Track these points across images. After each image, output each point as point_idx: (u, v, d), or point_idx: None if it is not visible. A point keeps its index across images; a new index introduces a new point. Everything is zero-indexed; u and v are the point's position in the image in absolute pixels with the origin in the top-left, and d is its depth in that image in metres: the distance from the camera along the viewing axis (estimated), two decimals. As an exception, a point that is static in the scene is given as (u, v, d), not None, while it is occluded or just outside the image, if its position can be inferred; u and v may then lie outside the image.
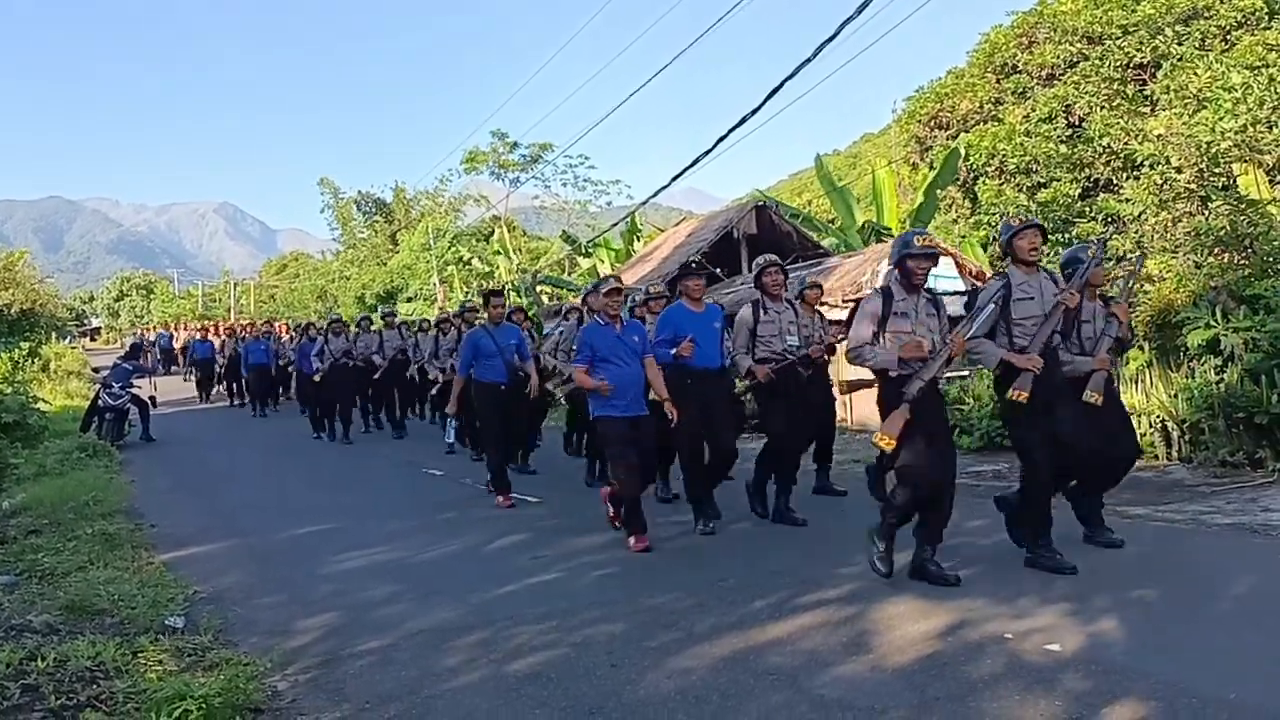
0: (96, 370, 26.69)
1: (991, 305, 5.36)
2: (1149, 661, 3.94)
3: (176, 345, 36.15)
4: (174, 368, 34.73)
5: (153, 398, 15.45)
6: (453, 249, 34.68)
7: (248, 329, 25.26)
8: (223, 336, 26.50)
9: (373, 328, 15.49)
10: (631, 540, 6.41)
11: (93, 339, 66.79)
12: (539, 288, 25.21)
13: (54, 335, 36.35)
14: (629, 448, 6.42)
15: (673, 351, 6.73)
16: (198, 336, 27.39)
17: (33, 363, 24.88)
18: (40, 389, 19.99)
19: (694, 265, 7.61)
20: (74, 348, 40.18)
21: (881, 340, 5.30)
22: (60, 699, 3.85)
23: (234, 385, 21.97)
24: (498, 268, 31.83)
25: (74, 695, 3.90)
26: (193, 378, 29.02)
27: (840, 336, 7.54)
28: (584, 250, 29.16)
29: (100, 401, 14.31)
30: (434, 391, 12.66)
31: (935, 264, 5.58)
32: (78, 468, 11.05)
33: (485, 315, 9.25)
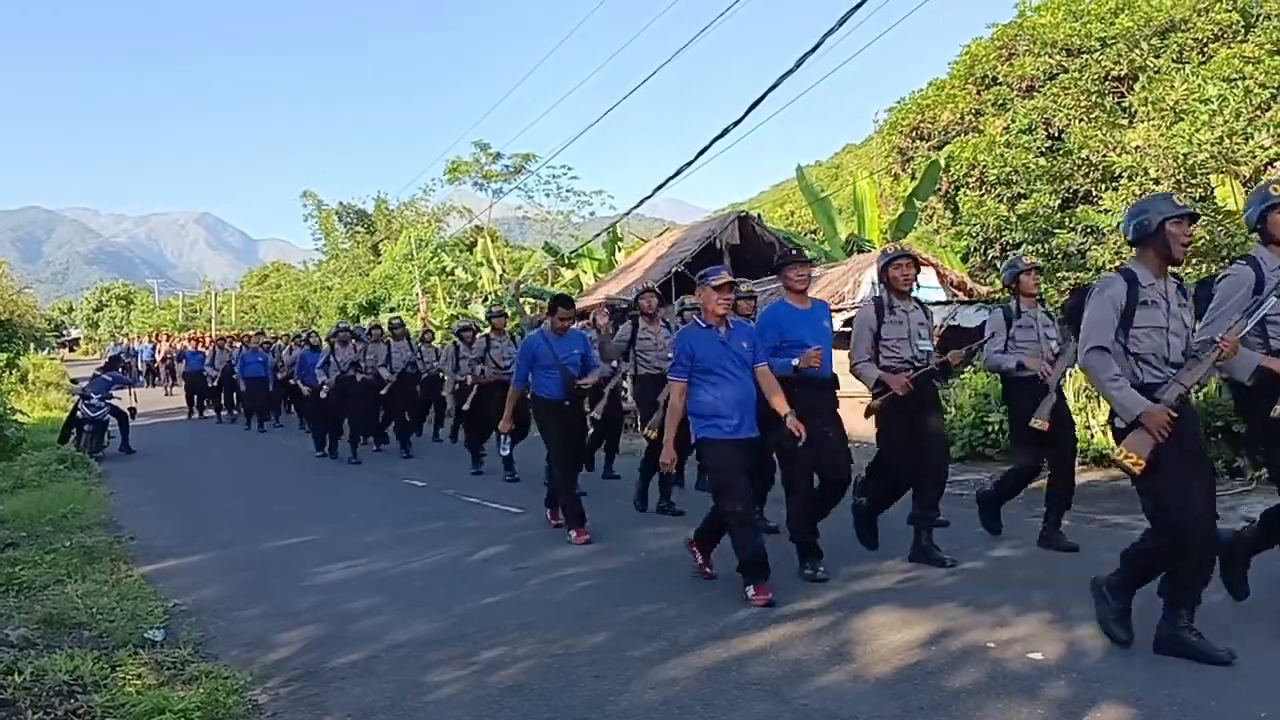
0: (75, 381, 26.47)
1: (1274, 298, 4.17)
2: (1130, 669, 3.96)
3: (158, 356, 34.12)
4: (154, 380, 33.58)
5: (132, 409, 15.33)
6: (435, 259, 34.60)
7: (239, 340, 22.68)
8: (212, 347, 23.95)
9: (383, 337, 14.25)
10: (751, 591, 5.21)
11: (71, 350, 66.29)
12: (522, 299, 25.19)
13: (32, 346, 36.03)
14: (739, 476, 5.35)
15: (794, 362, 5.66)
16: (189, 346, 26.02)
17: (11, 374, 24.64)
18: (18, 400, 19.82)
19: (793, 251, 6.33)
20: (52, 359, 39.88)
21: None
22: (38, 713, 3.81)
23: (227, 398, 20.80)
24: (481, 278, 31.78)
25: (52, 709, 3.87)
26: (173, 391, 28.03)
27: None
28: (566, 261, 29.16)
29: (79, 413, 14.19)
30: (466, 406, 11.49)
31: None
32: (56, 480, 10.94)
33: (547, 322, 8.05)
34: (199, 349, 24.18)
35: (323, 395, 13.31)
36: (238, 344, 20.82)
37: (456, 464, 11.79)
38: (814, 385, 5.76)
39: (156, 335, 43.56)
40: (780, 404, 5.40)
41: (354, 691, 4.21)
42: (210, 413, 21.59)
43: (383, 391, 13.39)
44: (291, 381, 16.94)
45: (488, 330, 12.42)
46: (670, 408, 5.57)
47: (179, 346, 31.20)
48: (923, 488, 5.99)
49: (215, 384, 20.75)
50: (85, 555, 6.99)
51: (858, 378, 6.00)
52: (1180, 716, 3.48)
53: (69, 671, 4.24)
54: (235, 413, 20.30)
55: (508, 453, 10.43)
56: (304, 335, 17.90)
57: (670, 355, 6.00)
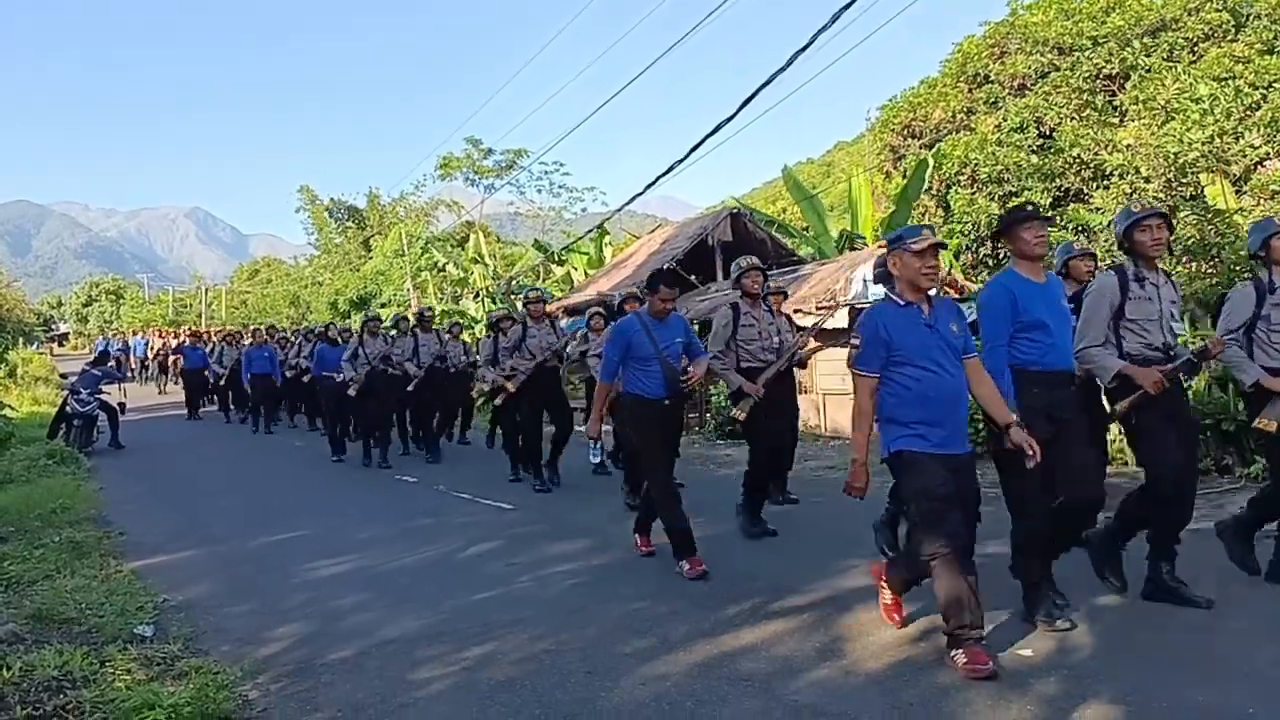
0: (64, 376, 26.35)
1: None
2: (1119, 666, 3.98)
3: (151, 353, 31.62)
4: (146, 376, 31.68)
5: (121, 404, 15.27)
6: (426, 255, 34.57)
7: (248, 335, 20.16)
8: (215, 341, 22.07)
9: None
10: (962, 658, 3.97)
11: (60, 344, 66.04)
12: (513, 296, 25.18)
13: (21, 341, 35.90)
14: (951, 507, 4.04)
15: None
16: (186, 341, 23.19)
17: (-1, 368, 24.59)
18: (7, 395, 19.78)
19: (1028, 206, 4.83)
20: (41, 353, 39.72)
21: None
22: (26, 709, 3.80)
23: (237, 397, 19.05)
24: (473, 274, 31.76)
25: (40, 705, 3.85)
26: (166, 389, 27.10)
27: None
28: (556, 258, 29.16)
29: (68, 408, 14.15)
30: (498, 402, 10.18)
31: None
32: (45, 475, 10.90)
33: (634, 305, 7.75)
34: (197, 344, 21.93)
35: (350, 393, 11.85)
36: (247, 340, 18.92)
37: (451, 462, 11.78)
38: (1055, 380, 4.50)
39: (149, 330, 41.22)
40: (1002, 410, 4.23)
41: (344, 687, 4.20)
42: (212, 408, 20.43)
43: (410, 389, 12.37)
44: (305, 379, 15.76)
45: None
46: (858, 409, 4.27)
47: (174, 342, 29.22)
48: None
49: (223, 382, 19.13)
50: (74, 550, 6.97)
51: (1088, 368, 4.79)
52: (1169, 713, 3.49)
53: (58, 667, 4.23)
54: (244, 412, 18.43)
55: (599, 459, 10.45)
56: (320, 329, 16.51)
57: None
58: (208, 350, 21.13)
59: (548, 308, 11.83)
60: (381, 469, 11.58)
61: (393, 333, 12.91)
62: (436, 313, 14.45)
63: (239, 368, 17.91)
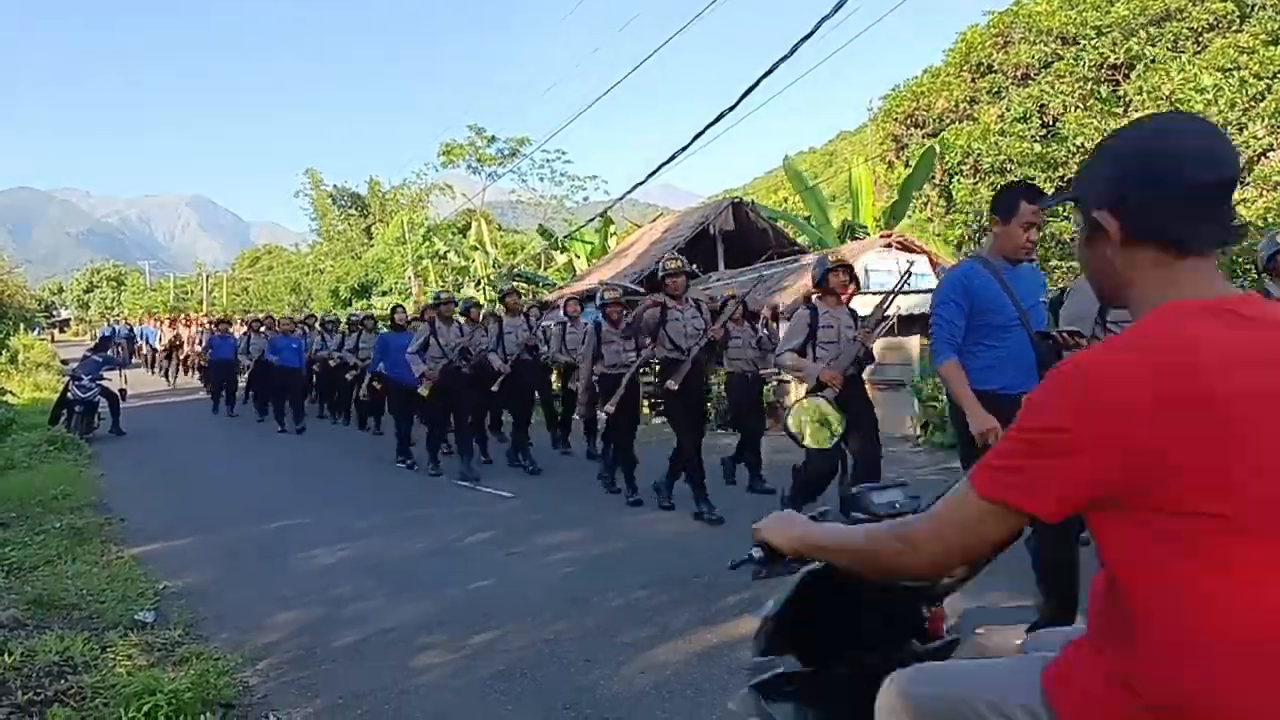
0: (65, 363, 26.34)
1: None
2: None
3: (160, 343, 28.43)
4: (155, 366, 29.02)
5: (123, 390, 15.27)
6: (426, 243, 34.56)
7: (267, 323, 18.31)
8: (244, 329, 19.54)
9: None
10: None
11: (62, 331, 66.09)
12: (514, 283, 25.17)
13: (22, 327, 35.90)
14: None
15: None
16: (215, 331, 19.42)
17: (0, 354, 24.57)
18: (8, 381, 19.77)
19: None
20: (43, 339, 39.74)
21: None
22: (27, 694, 3.81)
23: (261, 392, 16.83)
24: (474, 262, 31.74)
25: (41, 690, 3.86)
26: (176, 382, 25.20)
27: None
28: (559, 246, 29.14)
29: (70, 394, 14.15)
30: (611, 407, 7.95)
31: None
32: (46, 461, 10.92)
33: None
34: (227, 333, 18.82)
35: (422, 392, 9.78)
36: (277, 329, 16.91)
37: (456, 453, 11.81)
38: None
39: (152, 318, 37.67)
40: None
41: (344, 675, 4.21)
42: (241, 405, 17.89)
43: (494, 388, 10.25)
44: (350, 375, 14.49)
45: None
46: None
47: (186, 331, 26.46)
48: None
49: (248, 374, 17.40)
50: (75, 536, 6.98)
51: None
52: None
53: (59, 652, 4.24)
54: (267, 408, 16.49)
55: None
56: (359, 317, 15.20)
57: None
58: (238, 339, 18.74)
59: (547, 294, 11.35)
60: (466, 484, 9.41)
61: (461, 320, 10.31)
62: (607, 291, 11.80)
63: (263, 359, 16.27)
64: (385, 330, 11.81)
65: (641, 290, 13.83)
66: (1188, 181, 1.32)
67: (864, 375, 6.82)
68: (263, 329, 18.03)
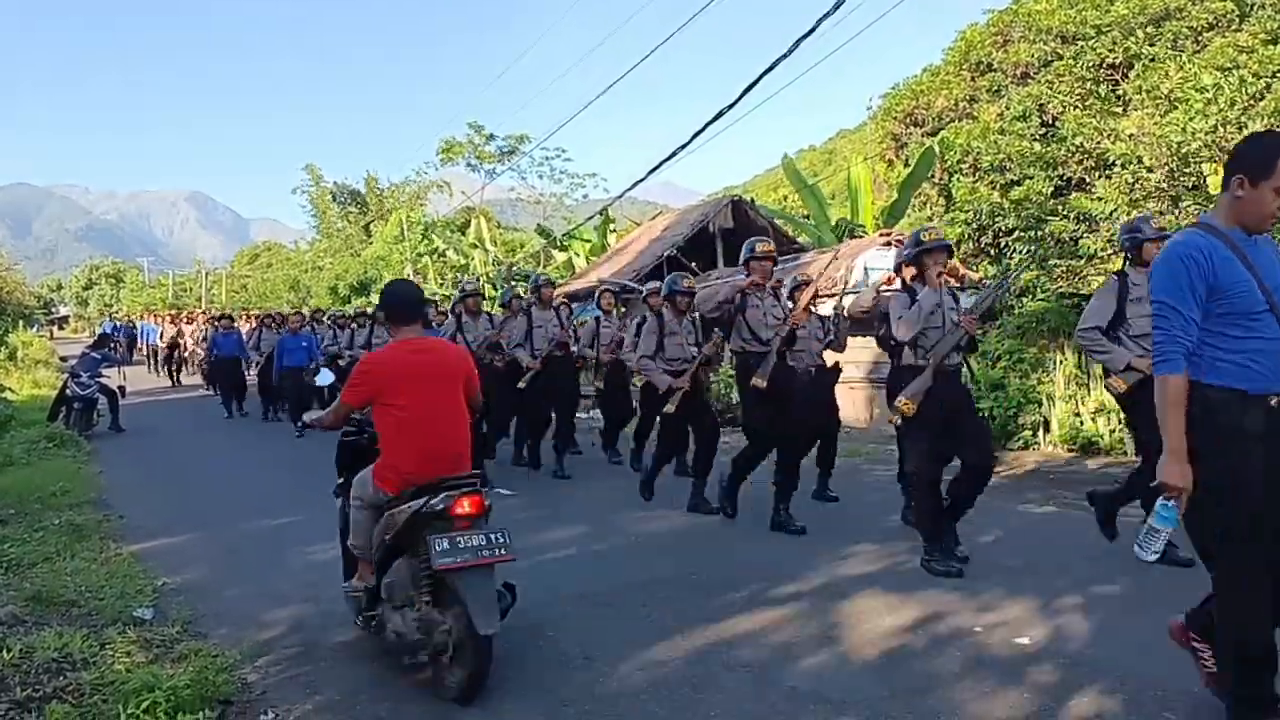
0: (64, 359, 26.31)
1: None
2: (1115, 654, 3.99)
3: (162, 341, 27.42)
4: (157, 364, 27.85)
5: (121, 387, 15.26)
6: (425, 240, 34.54)
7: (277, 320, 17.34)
8: (256, 328, 18.64)
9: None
10: None
11: (61, 327, 66.04)
12: (513, 282, 25.16)
13: (21, 323, 35.87)
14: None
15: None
16: (218, 327, 18.43)
17: (-1, 351, 24.59)
18: (7, 378, 19.79)
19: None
20: (41, 336, 39.73)
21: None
22: (26, 690, 3.81)
23: (273, 392, 16.08)
24: (473, 259, 31.74)
25: (40, 686, 3.87)
26: (179, 381, 24.45)
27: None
28: (558, 244, 29.13)
29: (68, 391, 14.15)
30: (671, 408, 7.48)
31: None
32: (45, 458, 10.92)
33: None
34: (230, 329, 17.92)
35: None
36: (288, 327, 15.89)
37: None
38: None
39: (151, 313, 37.53)
40: None
41: (343, 670, 4.22)
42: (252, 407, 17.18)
43: (521, 385, 9.39)
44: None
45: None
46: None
47: (189, 328, 26.03)
48: None
49: (257, 373, 16.79)
50: (74, 533, 6.98)
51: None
52: (1163, 702, 3.50)
53: (58, 649, 4.24)
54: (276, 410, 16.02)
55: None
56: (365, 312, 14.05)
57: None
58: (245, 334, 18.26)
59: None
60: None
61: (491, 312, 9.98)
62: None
63: (272, 358, 15.49)
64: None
65: (640, 289, 13.80)
66: None
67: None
68: (273, 325, 17.25)
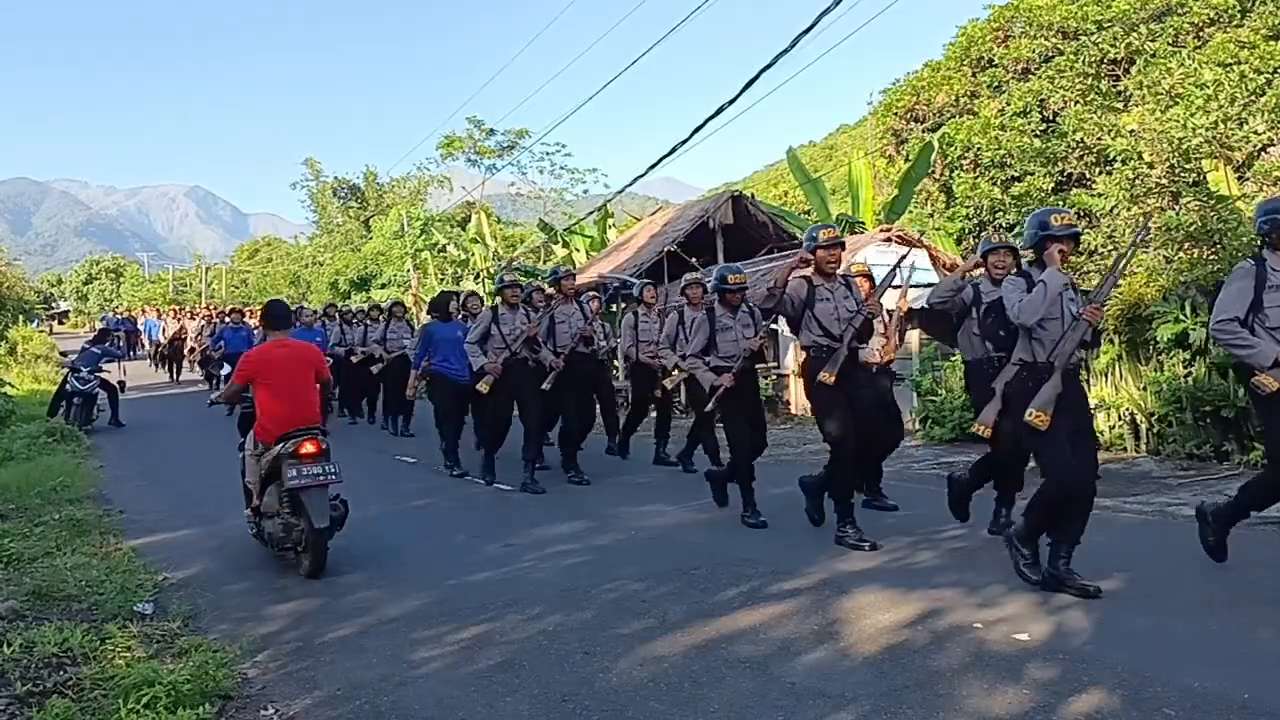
0: (64, 354, 26.29)
1: None
2: (1114, 651, 3.99)
3: (163, 336, 26.93)
4: (160, 360, 27.24)
5: (121, 382, 15.27)
6: (425, 235, 34.52)
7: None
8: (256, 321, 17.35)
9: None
10: None
11: (61, 322, 66.01)
12: (514, 275, 25.13)
13: (21, 318, 35.82)
14: None
15: None
16: (227, 322, 17.94)
17: (-1, 346, 24.57)
18: (7, 373, 19.78)
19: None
20: (42, 331, 39.68)
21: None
22: (26, 685, 3.82)
23: None
24: (473, 255, 31.71)
25: (40, 681, 3.87)
26: (180, 378, 24.08)
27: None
28: (559, 239, 29.10)
29: (68, 386, 14.15)
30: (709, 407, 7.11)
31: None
32: (45, 453, 10.92)
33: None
34: (240, 325, 17.22)
35: (481, 388, 8.65)
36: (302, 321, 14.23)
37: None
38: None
39: (153, 309, 37.32)
40: None
41: (343, 666, 4.22)
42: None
43: (545, 386, 8.75)
44: (375, 369, 13.48)
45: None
46: None
47: (192, 324, 25.46)
48: None
49: None
50: (74, 528, 6.99)
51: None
52: (1163, 698, 3.50)
53: (58, 644, 4.24)
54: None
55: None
56: (390, 304, 13.88)
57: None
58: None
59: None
60: (533, 493, 8.31)
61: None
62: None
63: None
64: (432, 319, 10.42)
65: (633, 283, 13.77)
66: None
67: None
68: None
